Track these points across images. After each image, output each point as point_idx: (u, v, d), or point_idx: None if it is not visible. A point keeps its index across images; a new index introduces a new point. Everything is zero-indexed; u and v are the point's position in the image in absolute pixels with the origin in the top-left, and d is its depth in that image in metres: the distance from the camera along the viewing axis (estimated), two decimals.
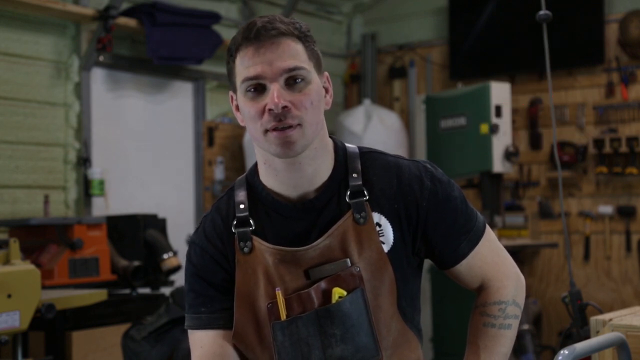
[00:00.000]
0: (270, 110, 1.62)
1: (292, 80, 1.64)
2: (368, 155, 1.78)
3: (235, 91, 1.72)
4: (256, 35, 1.63)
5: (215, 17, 5.75)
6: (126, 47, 5.55)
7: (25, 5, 4.78)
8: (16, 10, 4.89)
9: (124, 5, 5.35)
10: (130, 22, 5.31)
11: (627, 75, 6.01)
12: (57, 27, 5.14)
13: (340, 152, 1.77)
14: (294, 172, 1.70)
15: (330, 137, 1.78)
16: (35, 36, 5.02)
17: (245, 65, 1.65)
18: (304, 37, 1.68)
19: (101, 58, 5.25)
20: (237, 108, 1.73)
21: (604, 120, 6.09)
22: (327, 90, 1.75)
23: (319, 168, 1.72)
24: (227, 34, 6.09)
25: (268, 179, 1.75)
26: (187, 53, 5.58)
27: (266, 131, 1.64)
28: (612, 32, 6.08)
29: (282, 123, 1.62)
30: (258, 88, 1.64)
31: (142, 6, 5.36)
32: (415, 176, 1.75)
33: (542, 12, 3.29)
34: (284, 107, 1.62)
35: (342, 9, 7.18)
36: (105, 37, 5.08)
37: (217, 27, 5.82)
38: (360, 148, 1.80)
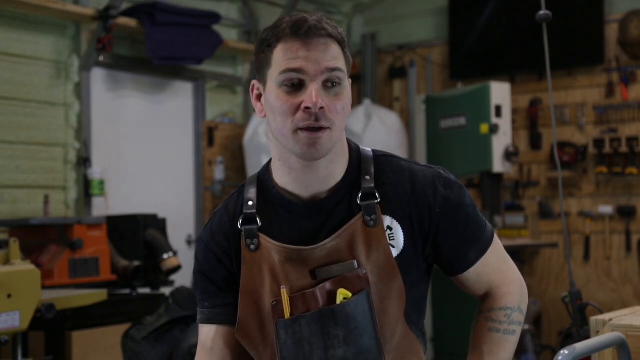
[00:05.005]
0: (307, 108, 1.62)
1: (330, 83, 1.65)
2: (382, 158, 1.78)
3: (262, 81, 1.71)
4: (307, 32, 1.64)
5: (215, 17, 5.75)
6: (126, 47, 5.56)
7: (25, 5, 4.78)
8: (16, 10, 4.89)
9: (124, 5, 5.35)
10: (130, 22, 5.31)
11: (627, 75, 6.01)
12: (57, 27, 5.14)
13: (354, 154, 1.77)
14: (309, 172, 1.70)
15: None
16: (35, 36, 5.02)
17: (288, 57, 1.64)
18: (343, 43, 1.70)
19: (101, 58, 5.25)
20: (258, 98, 1.73)
21: (604, 120, 6.09)
22: None
23: (333, 170, 1.72)
24: (227, 34, 6.09)
25: (281, 176, 1.74)
26: (187, 53, 5.58)
27: (297, 130, 1.64)
28: (612, 32, 6.07)
29: (316, 123, 1.63)
30: (296, 83, 1.64)
31: (142, 6, 5.37)
32: (429, 181, 1.75)
33: (542, 12, 3.29)
34: (321, 108, 1.62)
35: (342, 9, 7.18)
36: (105, 37, 5.08)
37: (217, 27, 5.82)
38: (374, 151, 1.79)
